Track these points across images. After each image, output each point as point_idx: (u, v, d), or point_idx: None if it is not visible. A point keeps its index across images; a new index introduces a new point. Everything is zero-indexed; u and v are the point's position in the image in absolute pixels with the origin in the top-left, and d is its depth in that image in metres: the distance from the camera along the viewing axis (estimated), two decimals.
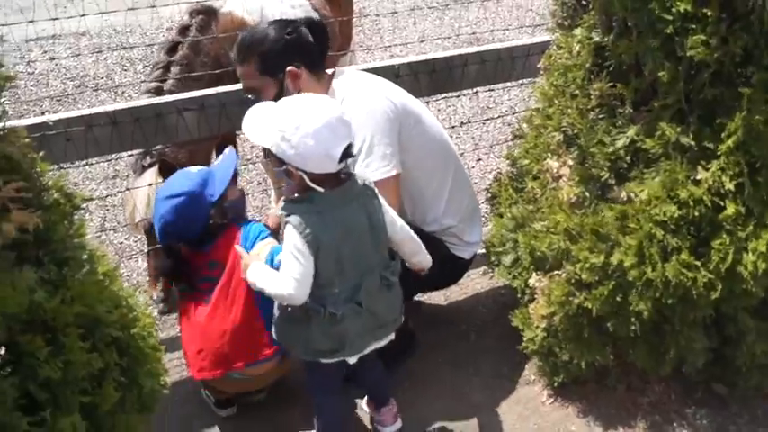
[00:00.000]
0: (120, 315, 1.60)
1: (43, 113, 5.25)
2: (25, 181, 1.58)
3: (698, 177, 2.22)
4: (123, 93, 5.69)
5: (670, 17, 2.13)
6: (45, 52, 6.50)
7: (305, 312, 2.17)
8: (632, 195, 2.31)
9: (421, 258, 2.43)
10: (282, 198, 2.25)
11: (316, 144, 2.05)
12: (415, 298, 3.18)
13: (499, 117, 5.17)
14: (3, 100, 1.58)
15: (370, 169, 2.53)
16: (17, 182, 1.57)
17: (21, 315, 1.43)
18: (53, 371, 1.46)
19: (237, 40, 2.62)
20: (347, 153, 2.11)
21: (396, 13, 6.73)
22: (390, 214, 2.30)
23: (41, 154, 1.72)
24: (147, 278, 3.35)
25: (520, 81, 3.93)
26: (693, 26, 2.11)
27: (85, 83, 5.91)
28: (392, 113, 2.59)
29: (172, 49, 3.45)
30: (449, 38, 6.89)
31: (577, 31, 2.42)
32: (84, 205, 1.82)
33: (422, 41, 6.90)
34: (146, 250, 3.30)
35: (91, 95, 5.70)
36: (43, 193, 1.69)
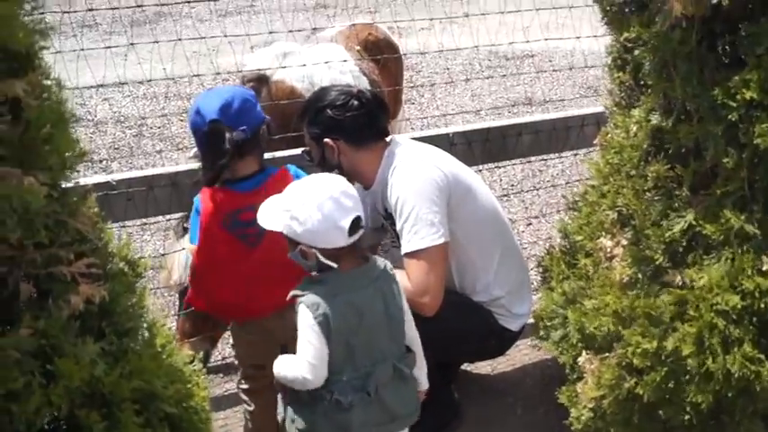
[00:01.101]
0: (176, 390, 1.62)
1: (101, 161, 5.38)
2: (92, 252, 1.63)
3: (764, 268, 2.19)
4: (179, 143, 5.81)
5: (734, 104, 2.12)
6: (105, 100, 6.68)
7: (312, 396, 2.12)
8: (688, 281, 2.28)
9: (417, 374, 2.28)
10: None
11: (322, 217, 2.04)
12: (462, 367, 3.17)
13: (551, 186, 5.15)
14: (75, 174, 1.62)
15: (419, 236, 2.55)
16: (84, 250, 1.62)
17: (82, 388, 1.46)
18: None
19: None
20: (356, 225, 2.08)
21: (451, 82, 6.76)
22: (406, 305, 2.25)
23: (108, 223, 1.77)
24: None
25: (574, 152, 3.93)
26: (758, 114, 2.10)
27: (143, 132, 6.05)
28: (441, 182, 2.61)
29: None
30: (500, 98, 6.94)
31: (635, 112, 2.42)
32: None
33: (473, 98, 6.97)
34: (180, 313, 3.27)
35: (147, 144, 5.85)
36: (108, 261, 1.73)
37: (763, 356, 2.18)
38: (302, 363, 2.08)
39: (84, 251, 1.60)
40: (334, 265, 2.09)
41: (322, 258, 2.08)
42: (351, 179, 2.74)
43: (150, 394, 1.57)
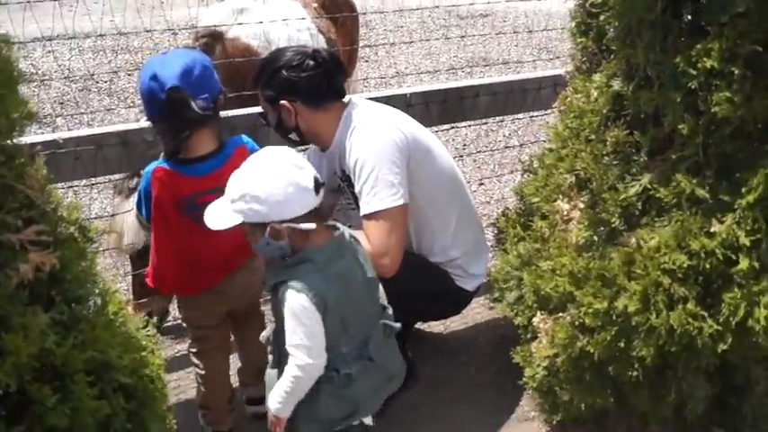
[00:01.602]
0: (131, 360, 1.58)
1: (45, 117, 5.22)
2: (42, 217, 1.57)
3: (712, 230, 2.22)
4: (127, 98, 5.67)
5: (695, 72, 2.13)
6: (49, 52, 6.46)
7: (315, 383, 2.05)
8: (641, 242, 2.31)
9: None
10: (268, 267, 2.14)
11: (286, 183, 1.94)
12: (415, 327, 3.17)
13: (505, 147, 5.16)
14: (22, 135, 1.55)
15: (377, 198, 2.52)
16: (33, 215, 1.56)
17: (32, 363, 1.41)
18: (60, 418, 1.44)
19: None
20: (318, 182, 2.00)
21: (410, 41, 6.68)
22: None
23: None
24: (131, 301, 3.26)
25: (529, 114, 3.93)
26: (718, 82, 2.10)
27: (89, 86, 5.88)
28: (401, 143, 2.58)
29: None
30: (455, 57, 6.90)
31: (596, 77, 2.41)
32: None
33: (428, 56, 6.91)
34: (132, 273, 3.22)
35: (93, 99, 5.68)
36: (58, 226, 1.67)
37: (705, 314, 2.22)
38: (297, 352, 1.99)
39: (33, 216, 1.53)
40: (312, 226, 1.98)
41: (300, 226, 1.97)
42: (308, 141, 2.71)
43: (104, 364, 1.53)
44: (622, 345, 2.34)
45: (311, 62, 2.56)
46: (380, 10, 5.63)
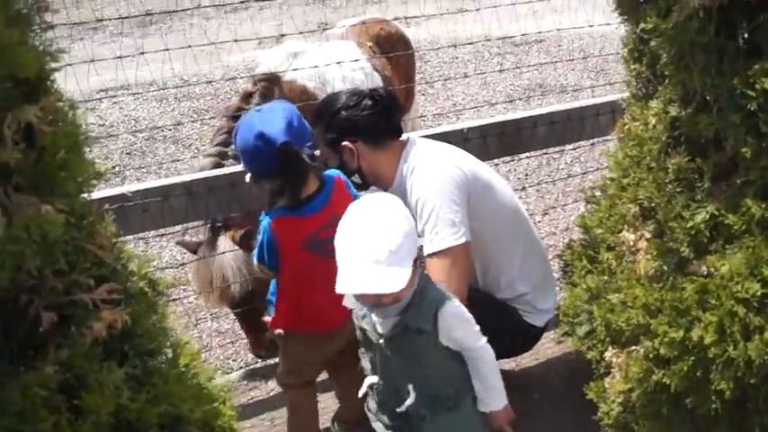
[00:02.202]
0: (203, 412, 1.60)
1: (114, 167, 5.38)
2: (112, 275, 1.61)
3: None
4: (191, 145, 5.80)
5: (753, 93, 2.08)
6: (114, 104, 6.67)
7: None
8: (712, 270, 2.26)
9: None
10: None
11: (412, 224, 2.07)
12: None
13: (567, 176, 5.11)
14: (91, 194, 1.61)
15: (439, 237, 2.52)
16: (103, 273, 1.60)
17: (109, 420, 1.44)
18: None
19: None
20: None
21: (466, 76, 6.70)
22: None
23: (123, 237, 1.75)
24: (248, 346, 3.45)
25: (590, 141, 3.89)
26: None
27: (154, 135, 6.05)
28: (461, 181, 2.58)
29: (235, 116, 3.48)
30: (511, 85, 6.88)
31: (653, 104, 2.38)
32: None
33: (484, 86, 6.91)
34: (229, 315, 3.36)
35: (159, 147, 5.83)
36: (128, 281, 1.71)
37: None
38: (490, 351, 2.22)
39: (104, 274, 1.58)
40: None
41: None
42: (370, 182, 2.74)
43: (177, 418, 1.55)
44: (700, 375, 2.28)
45: (369, 101, 2.60)
46: (434, 44, 5.66)
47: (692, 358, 2.27)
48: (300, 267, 2.47)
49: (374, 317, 2.14)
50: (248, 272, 3.09)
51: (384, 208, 2.03)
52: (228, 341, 3.68)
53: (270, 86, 3.64)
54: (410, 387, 2.17)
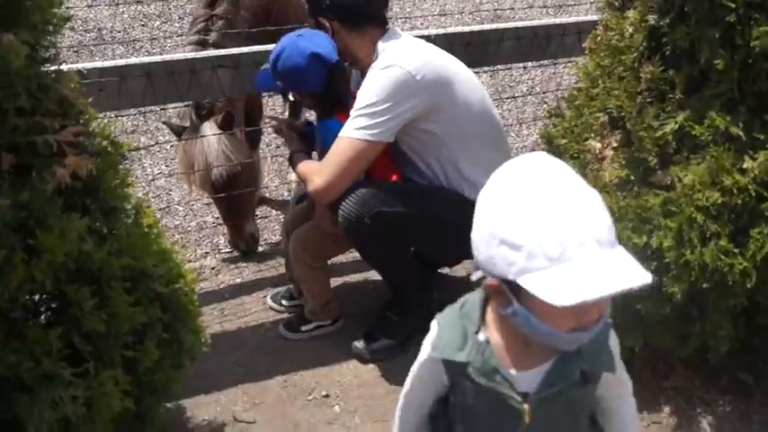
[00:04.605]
0: (166, 270, 1.56)
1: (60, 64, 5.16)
2: (78, 122, 1.54)
3: (744, 166, 2.19)
4: (141, 48, 5.61)
5: (733, 5, 2.07)
6: (62, 3, 6.39)
7: None
8: (676, 179, 2.28)
9: None
10: None
11: None
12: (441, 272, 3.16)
13: (528, 94, 5.10)
14: (59, 41, 1.52)
15: (355, 124, 2.53)
16: (69, 115, 1.53)
17: (68, 264, 1.39)
18: (97, 323, 1.42)
19: None
20: None
21: None
22: None
23: (90, 99, 1.67)
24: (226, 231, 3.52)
25: (552, 60, 3.88)
26: (757, 15, 2.05)
27: (102, 35, 5.83)
28: (408, 87, 2.55)
29: (211, 2, 3.39)
30: (470, 13, 6.82)
31: (630, 13, 2.36)
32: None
33: (443, 15, 6.83)
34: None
35: (107, 48, 5.63)
36: (92, 139, 1.64)
37: (737, 251, 2.19)
38: None
39: (69, 123, 1.51)
40: None
41: None
42: (349, 62, 2.75)
43: (140, 273, 1.51)
44: (655, 281, 2.32)
45: None
46: None
47: (654, 264, 2.30)
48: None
49: (513, 369, 1.33)
50: (231, 156, 3.13)
51: (558, 165, 1.29)
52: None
53: None
54: None
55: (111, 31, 5.93)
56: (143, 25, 6.07)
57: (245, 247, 3.43)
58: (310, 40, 2.60)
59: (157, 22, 6.14)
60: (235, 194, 3.21)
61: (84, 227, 1.44)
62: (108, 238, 1.49)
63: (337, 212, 2.57)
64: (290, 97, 2.76)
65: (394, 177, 2.73)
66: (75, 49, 5.49)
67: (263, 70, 2.68)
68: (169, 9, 6.27)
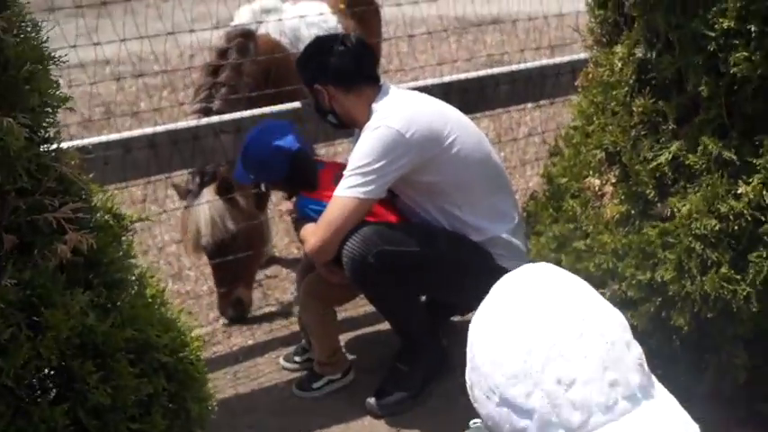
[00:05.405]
0: (170, 339, 1.57)
1: (71, 139, 5.26)
2: (78, 198, 1.57)
3: (739, 191, 2.20)
4: (149, 120, 5.70)
5: (713, 33, 2.12)
6: (70, 81, 6.52)
7: None
8: (675, 210, 2.29)
9: None
10: None
11: None
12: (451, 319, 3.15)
13: (528, 135, 5.13)
14: (58, 120, 1.56)
15: (348, 183, 2.59)
16: (70, 193, 1.56)
17: (72, 339, 1.40)
18: (103, 397, 1.43)
19: None
20: None
21: (430, 33, 6.73)
22: None
23: (91, 175, 1.71)
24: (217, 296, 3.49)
25: (550, 100, 3.92)
26: (736, 42, 2.09)
27: (111, 109, 5.94)
28: (400, 146, 2.61)
29: (214, 71, 3.47)
30: (467, 60, 6.89)
31: (618, 48, 2.40)
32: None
33: (440, 64, 6.91)
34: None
35: (116, 122, 5.74)
36: (93, 214, 1.67)
37: (739, 277, 2.19)
38: None
39: (69, 200, 1.53)
40: None
41: None
42: (348, 125, 2.84)
43: (144, 344, 1.52)
44: (663, 316, 2.31)
45: (340, 47, 2.68)
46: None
47: (659, 299, 2.30)
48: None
49: None
50: (226, 223, 3.17)
51: (566, 284, 1.07)
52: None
53: (245, 42, 3.59)
54: None
55: (120, 105, 6.03)
56: (150, 96, 6.18)
57: (233, 313, 3.41)
58: (272, 134, 2.78)
59: (164, 93, 6.25)
60: (227, 261, 3.23)
61: (87, 301, 1.45)
62: (111, 310, 1.51)
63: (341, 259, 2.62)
64: (262, 187, 3.03)
65: (393, 219, 2.78)
66: (84, 124, 5.59)
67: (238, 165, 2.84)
68: (173, 79, 6.38)
